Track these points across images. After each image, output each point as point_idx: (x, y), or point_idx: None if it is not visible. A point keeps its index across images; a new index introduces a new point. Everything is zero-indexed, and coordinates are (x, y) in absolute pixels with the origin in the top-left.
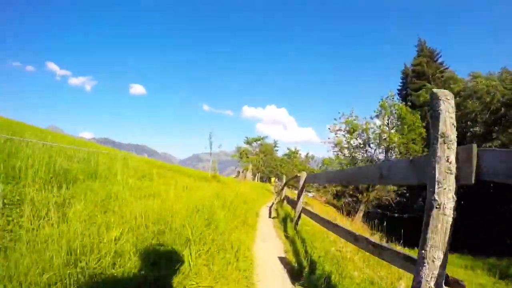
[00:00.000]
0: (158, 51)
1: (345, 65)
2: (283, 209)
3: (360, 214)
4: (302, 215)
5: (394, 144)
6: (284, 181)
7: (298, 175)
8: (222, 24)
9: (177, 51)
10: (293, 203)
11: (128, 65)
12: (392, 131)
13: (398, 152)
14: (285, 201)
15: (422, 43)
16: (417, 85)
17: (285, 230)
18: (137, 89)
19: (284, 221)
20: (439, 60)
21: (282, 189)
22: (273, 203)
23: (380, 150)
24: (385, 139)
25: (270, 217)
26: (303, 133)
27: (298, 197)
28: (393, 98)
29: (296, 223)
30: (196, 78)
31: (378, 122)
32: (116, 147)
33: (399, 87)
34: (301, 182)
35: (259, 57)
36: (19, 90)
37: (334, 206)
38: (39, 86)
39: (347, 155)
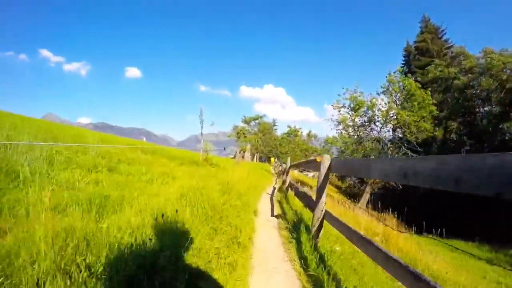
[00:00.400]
0: (155, 47)
1: (347, 44)
2: (288, 203)
3: (366, 196)
4: (325, 222)
5: (403, 122)
6: (288, 163)
7: (318, 160)
8: (222, 24)
9: (174, 49)
10: (306, 200)
11: (123, 49)
12: (400, 108)
13: (409, 131)
14: (290, 190)
15: (426, 19)
16: (422, 63)
17: (299, 250)
18: (133, 72)
19: (295, 229)
20: (444, 37)
21: (286, 174)
22: (274, 188)
23: (387, 129)
24: (392, 116)
25: (272, 215)
26: (302, 112)
27: (319, 195)
28: (401, 73)
29: (317, 236)
30: (193, 62)
31: (385, 98)
32: (115, 131)
33: (401, 65)
34: (323, 171)
35: (255, 46)
36: (14, 79)
37: (338, 187)
38: (34, 74)
39: (351, 133)
